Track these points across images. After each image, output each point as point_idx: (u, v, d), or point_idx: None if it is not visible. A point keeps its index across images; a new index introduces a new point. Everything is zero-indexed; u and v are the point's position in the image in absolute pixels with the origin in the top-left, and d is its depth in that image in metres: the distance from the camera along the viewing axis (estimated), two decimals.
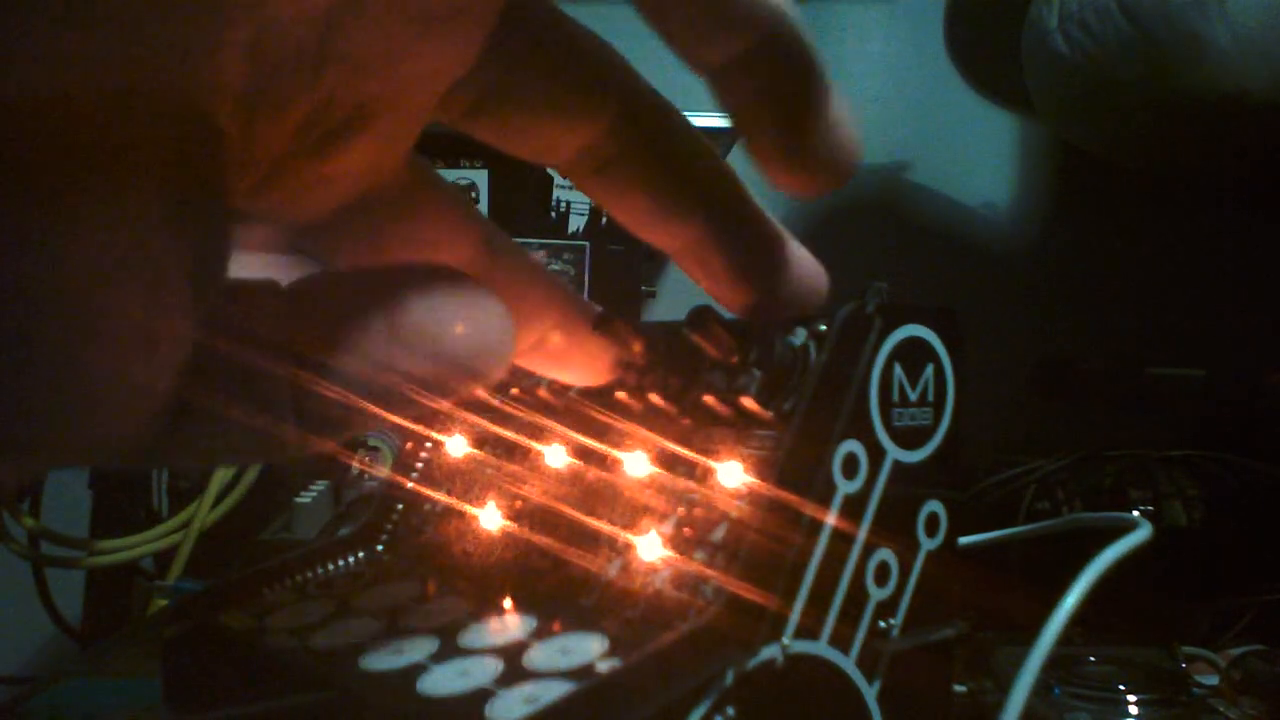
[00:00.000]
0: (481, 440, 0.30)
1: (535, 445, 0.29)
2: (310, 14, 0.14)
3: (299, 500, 0.65)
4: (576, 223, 0.93)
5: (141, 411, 0.14)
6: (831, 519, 0.23)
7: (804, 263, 0.24)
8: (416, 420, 0.18)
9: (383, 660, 0.23)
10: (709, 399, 0.25)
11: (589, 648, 0.22)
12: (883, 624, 0.24)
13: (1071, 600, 0.29)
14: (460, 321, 0.16)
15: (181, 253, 0.14)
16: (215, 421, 0.15)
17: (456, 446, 0.31)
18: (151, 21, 0.12)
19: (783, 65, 0.19)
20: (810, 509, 0.22)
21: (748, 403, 0.24)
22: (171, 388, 0.14)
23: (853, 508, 0.23)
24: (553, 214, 0.93)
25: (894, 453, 0.24)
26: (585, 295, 0.91)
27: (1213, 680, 0.45)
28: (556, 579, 0.26)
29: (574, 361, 0.24)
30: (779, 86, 0.19)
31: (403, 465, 0.32)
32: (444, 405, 0.17)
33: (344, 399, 0.15)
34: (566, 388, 0.27)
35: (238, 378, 0.15)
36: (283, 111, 0.16)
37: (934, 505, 0.25)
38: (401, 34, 0.16)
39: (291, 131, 0.17)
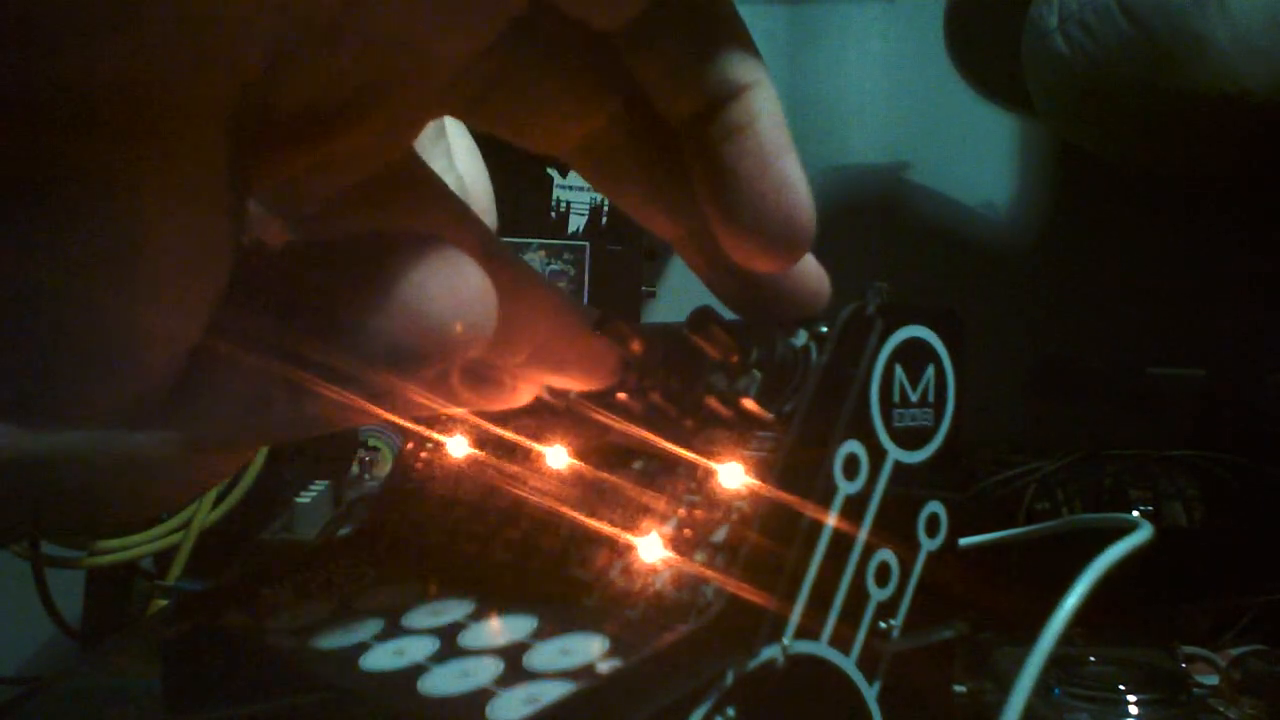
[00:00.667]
0: (482, 441, 0.30)
1: (536, 446, 0.29)
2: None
3: (299, 500, 0.65)
4: (576, 223, 0.93)
5: (165, 370, 0.14)
6: (832, 519, 0.23)
7: (806, 265, 0.24)
8: (412, 410, 0.17)
9: (383, 660, 0.23)
10: (710, 400, 0.25)
11: (590, 648, 0.22)
12: (883, 624, 0.24)
13: (1072, 601, 0.29)
14: (442, 282, 0.16)
15: (223, 212, 0.14)
16: (211, 394, 0.15)
17: (457, 447, 0.31)
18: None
19: (750, 118, 0.19)
20: (811, 509, 0.22)
21: (749, 404, 0.24)
22: (187, 352, 0.14)
23: (853, 508, 0.23)
24: (553, 214, 0.93)
25: (895, 453, 0.24)
26: (585, 295, 0.91)
27: (1213, 680, 0.45)
28: (557, 580, 0.26)
29: (575, 367, 0.25)
30: (741, 141, 0.19)
31: (403, 465, 0.32)
32: (431, 377, 0.16)
33: (332, 366, 0.15)
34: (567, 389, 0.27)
35: (229, 350, 0.15)
36: (302, 82, 0.16)
37: (935, 506, 0.25)
38: (422, 14, 0.16)
39: (306, 103, 0.17)
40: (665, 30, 0.19)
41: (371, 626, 0.25)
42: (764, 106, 0.19)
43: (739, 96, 0.19)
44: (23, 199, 0.13)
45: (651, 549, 0.24)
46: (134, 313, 0.13)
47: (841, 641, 0.23)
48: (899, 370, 0.24)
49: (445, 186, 0.23)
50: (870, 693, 0.24)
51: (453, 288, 0.16)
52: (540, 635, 0.23)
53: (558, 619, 0.24)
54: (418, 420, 0.30)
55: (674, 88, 0.20)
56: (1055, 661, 0.27)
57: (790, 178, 0.19)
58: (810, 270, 0.24)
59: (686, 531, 0.24)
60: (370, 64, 0.17)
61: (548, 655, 0.22)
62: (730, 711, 0.21)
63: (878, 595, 0.24)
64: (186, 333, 0.14)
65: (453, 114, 0.22)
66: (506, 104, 0.21)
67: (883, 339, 0.24)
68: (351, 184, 0.20)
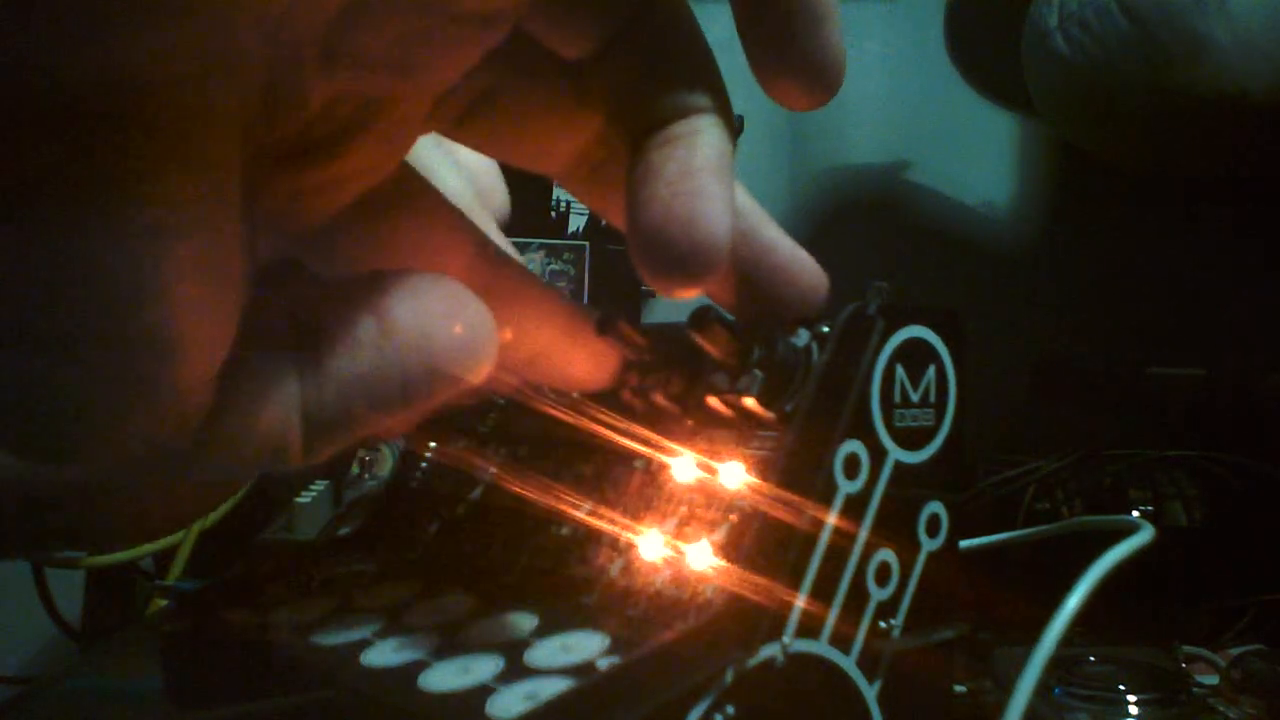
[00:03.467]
0: (485, 440, 0.30)
1: (537, 445, 0.29)
2: (323, 11, 0.15)
3: (299, 500, 0.65)
4: (576, 223, 0.93)
5: (197, 394, 0.14)
6: (832, 519, 0.23)
7: (803, 264, 0.24)
8: (412, 423, 0.18)
9: (384, 657, 0.23)
10: (711, 400, 0.25)
11: (590, 645, 0.22)
12: (884, 624, 0.24)
13: (1074, 603, 0.29)
14: (446, 319, 0.17)
15: (240, 219, 0.14)
16: (231, 429, 0.15)
17: (459, 446, 0.31)
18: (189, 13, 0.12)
19: (692, 132, 0.19)
20: (811, 509, 0.22)
21: (750, 403, 0.24)
22: (215, 375, 0.15)
23: (854, 508, 0.23)
24: (553, 214, 0.93)
25: (895, 453, 0.24)
26: (585, 295, 0.91)
27: (1213, 680, 0.45)
28: (558, 577, 0.26)
29: (577, 368, 0.25)
30: (674, 149, 0.19)
31: (405, 464, 0.32)
32: (435, 407, 0.17)
33: (344, 403, 0.16)
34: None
35: (246, 386, 0.15)
36: (296, 106, 0.16)
37: (935, 506, 0.25)
38: (409, 38, 0.16)
39: (301, 128, 0.17)
40: (626, 59, 0.19)
41: (372, 624, 0.25)
42: (709, 128, 0.19)
43: (688, 117, 0.19)
44: (40, 203, 0.12)
45: (652, 547, 0.24)
46: (163, 326, 0.13)
47: (841, 641, 0.23)
48: (900, 370, 0.24)
49: (439, 194, 0.23)
50: (870, 692, 0.24)
51: (458, 320, 0.17)
52: (540, 632, 0.23)
53: (558, 616, 0.24)
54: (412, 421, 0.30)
55: (626, 114, 0.20)
56: (1055, 661, 0.27)
57: (710, 192, 0.18)
58: (806, 267, 0.24)
59: (687, 529, 0.24)
60: (361, 86, 0.17)
61: (547, 652, 0.22)
62: (729, 709, 0.21)
63: (878, 595, 0.24)
64: (214, 348, 0.14)
65: (440, 131, 0.22)
66: (492, 121, 0.22)
67: (884, 339, 0.24)
68: (346, 202, 0.21)
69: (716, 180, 0.19)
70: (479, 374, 0.17)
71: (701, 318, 0.24)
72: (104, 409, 0.13)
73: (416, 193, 0.23)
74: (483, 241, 0.23)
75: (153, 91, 0.13)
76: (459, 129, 0.22)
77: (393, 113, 0.19)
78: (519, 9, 0.18)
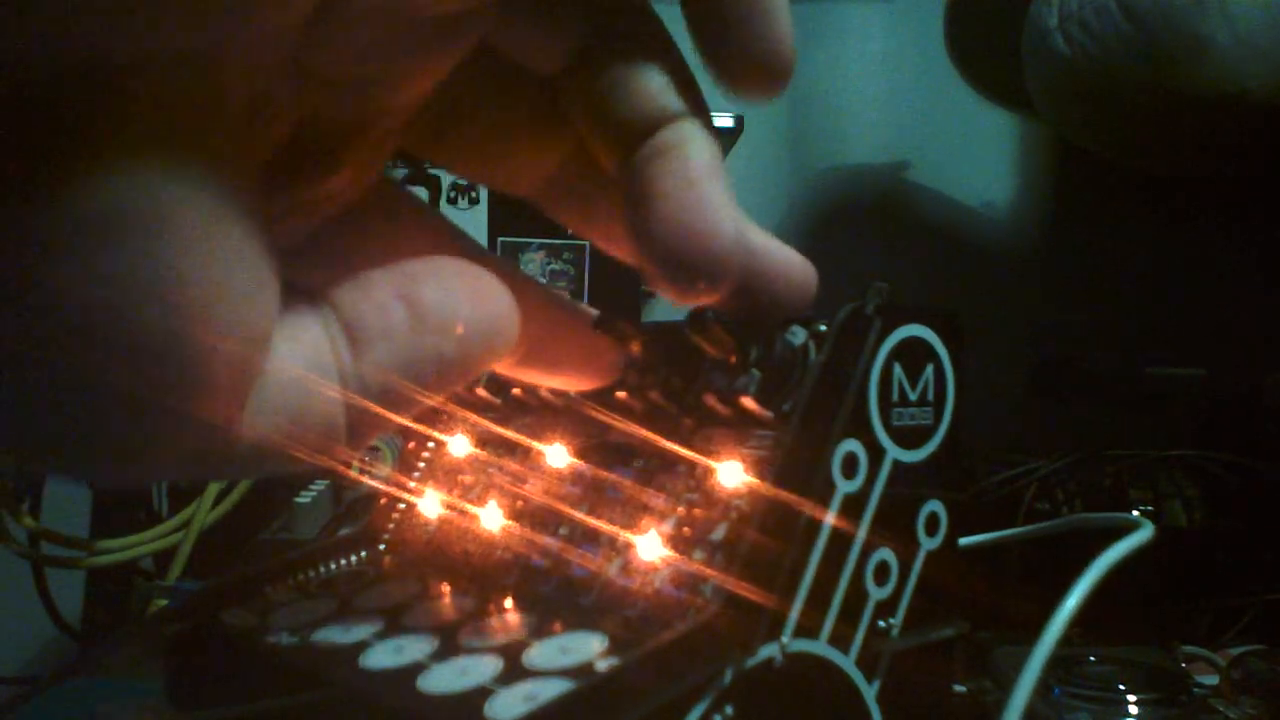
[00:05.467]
0: (483, 440, 0.30)
1: (537, 445, 0.29)
2: (290, 23, 0.15)
3: (299, 500, 0.65)
4: None
5: (239, 406, 0.14)
6: (831, 518, 0.23)
7: (790, 259, 0.24)
8: (437, 409, 0.19)
9: (383, 658, 0.23)
10: (709, 399, 0.25)
11: (588, 646, 0.22)
12: (882, 624, 0.24)
13: (1073, 601, 0.29)
14: (472, 299, 0.17)
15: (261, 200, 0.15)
16: (281, 424, 0.15)
17: (458, 446, 0.31)
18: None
19: (680, 141, 0.19)
20: (809, 508, 0.22)
21: (747, 402, 0.24)
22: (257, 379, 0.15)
23: (852, 507, 0.23)
24: None
25: (894, 452, 0.24)
26: (585, 295, 0.91)
27: (1213, 680, 0.45)
28: (557, 578, 0.26)
29: (574, 365, 0.25)
30: (667, 161, 0.19)
31: (405, 465, 0.32)
32: (471, 391, 0.18)
33: (385, 389, 0.16)
34: None
35: (290, 382, 0.15)
36: (271, 124, 0.16)
37: (934, 505, 0.25)
38: (378, 47, 0.17)
39: (274, 150, 0.17)
40: (598, 70, 0.20)
41: (372, 624, 0.25)
42: (696, 134, 0.19)
43: (670, 124, 0.19)
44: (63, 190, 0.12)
45: (651, 547, 0.24)
46: (213, 320, 0.13)
47: (840, 640, 0.23)
48: (898, 369, 0.24)
49: (419, 201, 0.23)
50: (869, 692, 0.24)
51: (483, 298, 0.17)
52: (539, 633, 0.23)
53: (556, 617, 0.24)
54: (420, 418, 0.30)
55: (605, 125, 0.20)
56: (1055, 661, 0.27)
57: (715, 201, 0.19)
58: (794, 263, 0.24)
59: (685, 530, 0.24)
60: (334, 107, 0.17)
61: (546, 653, 0.22)
62: (728, 710, 0.21)
63: (877, 594, 0.24)
64: (259, 342, 0.15)
65: (413, 152, 0.22)
66: (463, 142, 0.22)
67: (881, 338, 0.24)
68: (324, 220, 0.21)
69: (717, 186, 0.19)
70: (507, 350, 0.18)
71: (699, 317, 0.24)
72: (161, 412, 0.13)
73: (397, 203, 0.23)
74: (467, 242, 0.24)
75: (161, 71, 0.13)
76: (431, 149, 0.22)
77: (364, 135, 0.19)
78: (480, 11, 0.18)
